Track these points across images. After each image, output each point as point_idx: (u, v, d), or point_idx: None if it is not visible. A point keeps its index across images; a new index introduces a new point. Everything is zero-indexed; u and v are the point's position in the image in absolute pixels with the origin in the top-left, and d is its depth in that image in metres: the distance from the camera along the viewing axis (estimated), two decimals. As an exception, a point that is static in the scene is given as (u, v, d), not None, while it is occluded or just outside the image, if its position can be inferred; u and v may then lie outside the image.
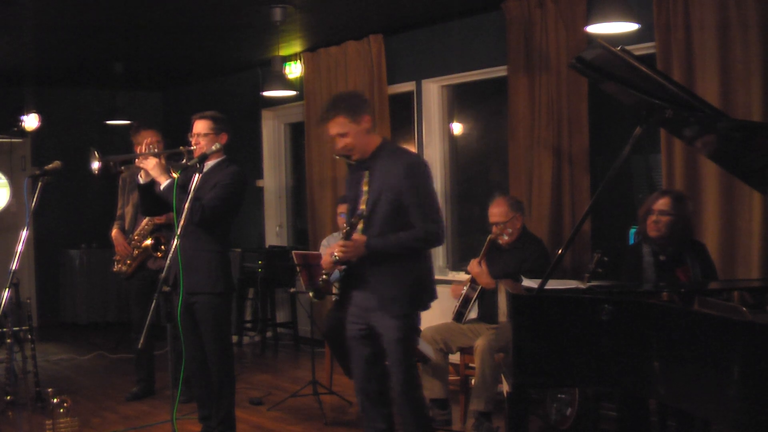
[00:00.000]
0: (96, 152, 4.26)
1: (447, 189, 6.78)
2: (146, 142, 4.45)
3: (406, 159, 3.77)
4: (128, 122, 7.82)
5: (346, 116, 3.74)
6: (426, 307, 3.94)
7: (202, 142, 4.41)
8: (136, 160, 4.36)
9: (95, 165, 4.27)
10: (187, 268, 4.10)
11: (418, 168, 3.74)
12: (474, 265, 4.92)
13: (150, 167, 4.30)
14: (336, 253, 3.72)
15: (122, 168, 4.55)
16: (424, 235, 3.69)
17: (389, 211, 3.70)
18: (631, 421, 4.00)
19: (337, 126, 3.76)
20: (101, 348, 7.73)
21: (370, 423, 3.93)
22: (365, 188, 3.80)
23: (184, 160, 4.37)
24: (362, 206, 3.78)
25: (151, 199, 4.42)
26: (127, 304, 6.41)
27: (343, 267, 3.84)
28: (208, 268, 4.37)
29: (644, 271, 4.24)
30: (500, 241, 4.94)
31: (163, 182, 4.28)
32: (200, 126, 4.46)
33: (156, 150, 4.41)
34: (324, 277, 3.91)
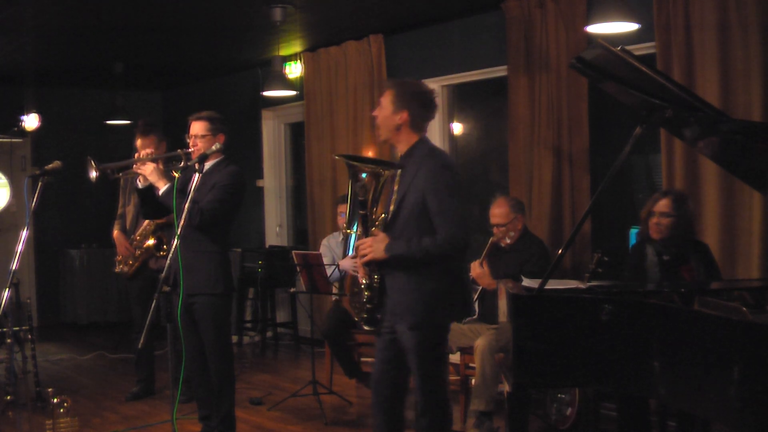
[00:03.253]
0: (93, 161, 4.24)
1: (447, 189, 6.77)
2: (144, 152, 4.44)
3: (436, 161, 3.59)
4: (128, 122, 7.83)
5: (392, 96, 3.63)
6: (445, 322, 3.69)
7: (200, 143, 4.40)
8: (134, 166, 4.35)
9: (93, 174, 4.25)
10: (186, 269, 4.09)
11: (444, 171, 3.56)
12: (475, 266, 4.92)
13: (147, 173, 4.30)
14: (358, 255, 3.61)
15: (120, 174, 4.54)
16: (447, 240, 3.48)
17: (412, 213, 3.55)
18: (631, 421, 4.00)
19: (383, 97, 3.67)
20: (101, 348, 7.73)
21: (375, 424, 3.89)
22: (395, 187, 3.67)
23: (182, 163, 4.36)
24: (392, 206, 3.64)
25: (151, 203, 4.42)
26: (128, 304, 6.40)
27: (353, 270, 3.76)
28: (207, 269, 4.37)
29: (648, 271, 4.23)
30: (501, 243, 4.95)
31: (162, 187, 4.28)
32: (197, 127, 4.44)
33: (153, 155, 4.40)
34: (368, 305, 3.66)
